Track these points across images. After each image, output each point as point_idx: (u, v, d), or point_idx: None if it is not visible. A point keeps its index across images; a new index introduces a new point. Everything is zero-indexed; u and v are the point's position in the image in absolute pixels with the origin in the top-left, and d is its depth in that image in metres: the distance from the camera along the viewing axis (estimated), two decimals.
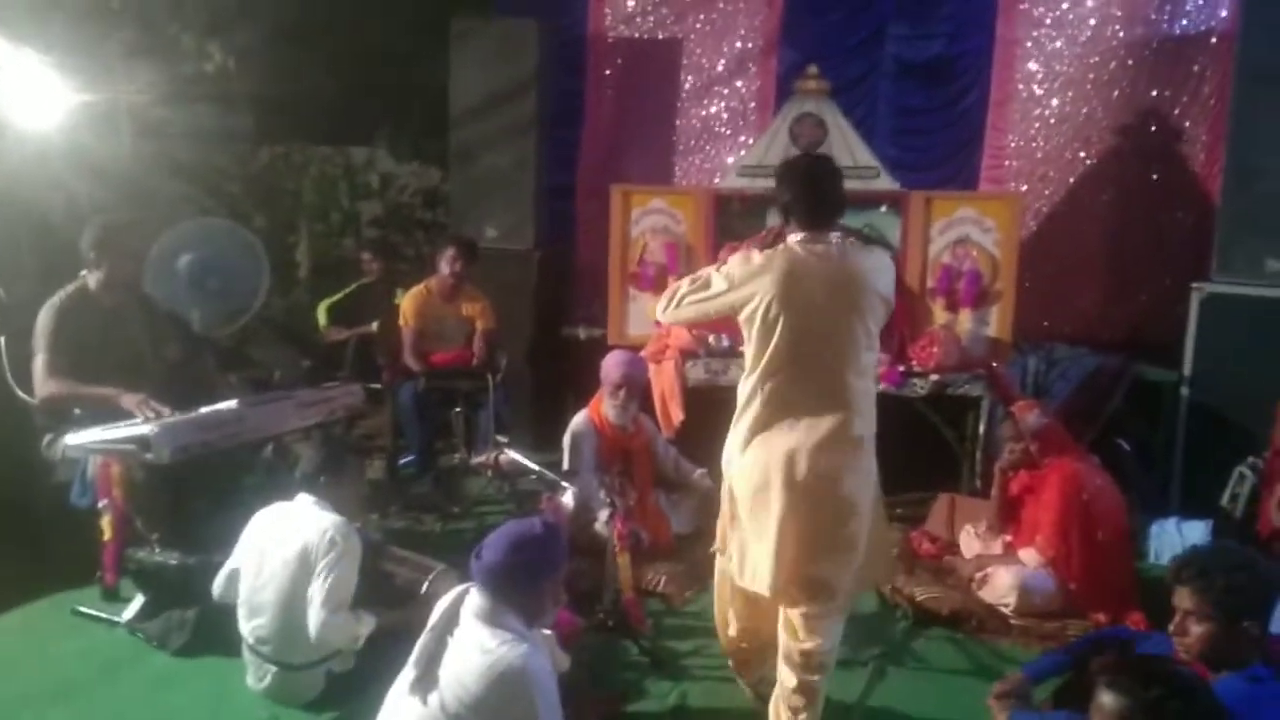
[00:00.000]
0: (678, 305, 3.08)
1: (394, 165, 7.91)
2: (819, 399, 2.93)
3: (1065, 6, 6.38)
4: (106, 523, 3.89)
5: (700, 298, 3.04)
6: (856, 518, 2.97)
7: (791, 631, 3.01)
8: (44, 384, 4.03)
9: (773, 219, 5.66)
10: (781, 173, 3.17)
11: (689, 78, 6.95)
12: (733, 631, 3.34)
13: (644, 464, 4.77)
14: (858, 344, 2.96)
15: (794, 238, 3.04)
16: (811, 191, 3.05)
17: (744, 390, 3.02)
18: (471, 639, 2.45)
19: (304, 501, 3.38)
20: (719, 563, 3.30)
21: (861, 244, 3.19)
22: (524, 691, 2.38)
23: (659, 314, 3.17)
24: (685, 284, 3.09)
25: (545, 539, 2.55)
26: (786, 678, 3.04)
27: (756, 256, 3.00)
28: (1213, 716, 2.10)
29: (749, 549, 3.02)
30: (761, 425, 2.97)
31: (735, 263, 3.02)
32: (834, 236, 3.06)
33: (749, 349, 3.00)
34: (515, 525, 2.60)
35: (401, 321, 5.63)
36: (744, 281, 2.95)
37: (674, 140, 7.01)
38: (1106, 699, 2.09)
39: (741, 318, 2.98)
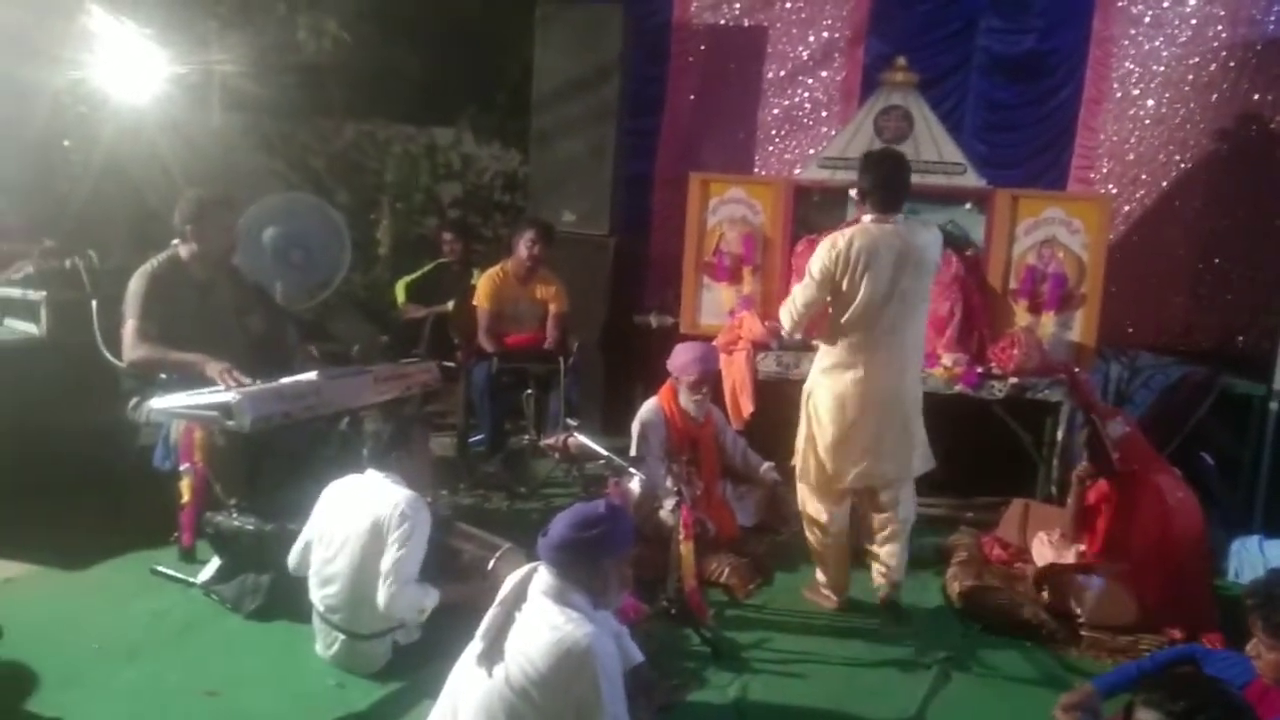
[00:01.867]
0: (797, 307, 3.87)
1: (475, 147, 7.97)
2: (886, 341, 3.80)
3: (1166, 5, 6.23)
4: (186, 486, 3.98)
5: (807, 288, 3.83)
6: (915, 422, 3.94)
7: (879, 506, 4.02)
8: (133, 348, 4.14)
9: (854, 211, 5.64)
10: (866, 162, 3.89)
11: (773, 66, 6.89)
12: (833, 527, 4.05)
13: (711, 454, 4.75)
14: (916, 299, 3.83)
15: (867, 217, 3.82)
16: (891, 181, 3.83)
17: (784, 322, 3.92)
18: (539, 615, 2.47)
19: (375, 476, 3.43)
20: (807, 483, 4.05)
21: (919, 221, 4.01)
22: (588, 670, 2.38)
23: (788, 329, 3.97)
24: (795, 290, 3.88)
25: (609, 519, 2.56)
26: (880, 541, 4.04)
27: (839, 240, 3.76)
28: None
29: (843, 455, 3.87)
30: (842, 364, 3.83)
31: (822, 250, 3.79)
32: (898, 216, 3.81)
33: (835, 308, 3.80)
34: (581, 506, 2.63)
35: (477, 302, 5.68)
36: (834, 259, 3.74)
37: (755, 129, 6.96)
38: (1140, 713, 2.15)
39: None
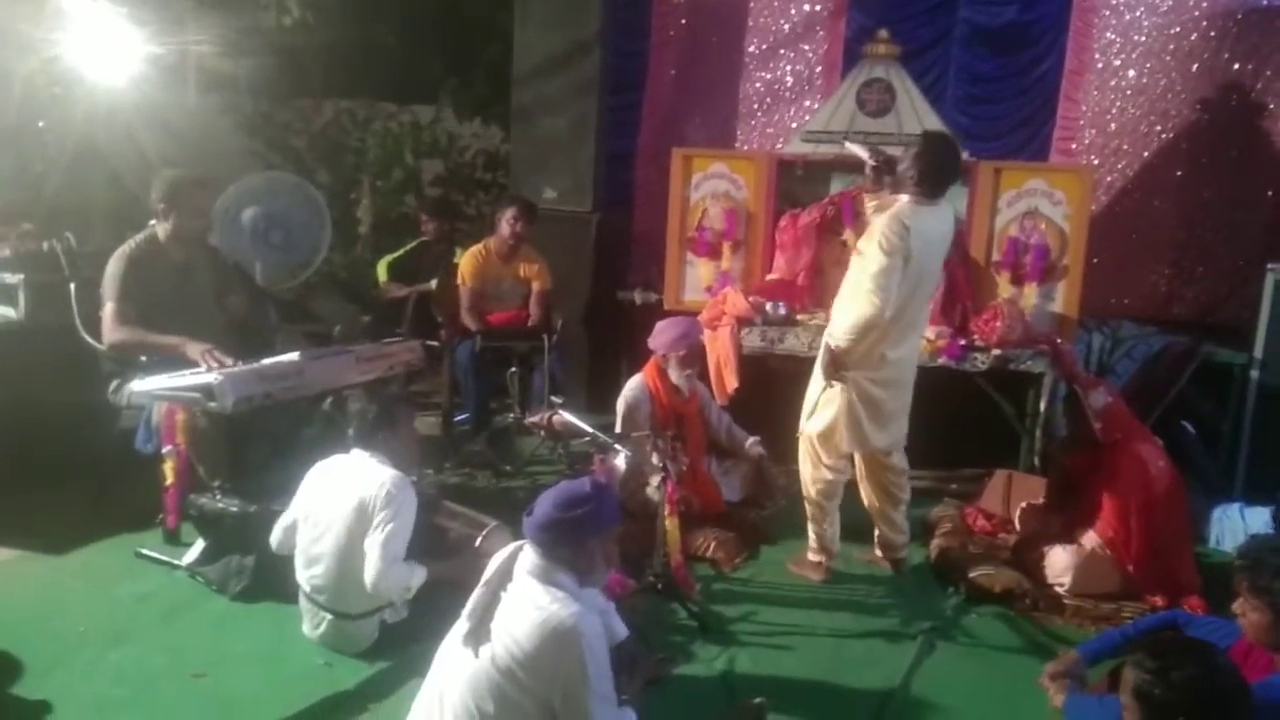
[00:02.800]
0: (886, 286, 3.70)
1: (456, 125, 7.92)
2: (915, 318, 3.95)
3: None
4: (169, 468, 3.97)
5: (889, 267, 3.69)
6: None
7: (884, 468, 4.13)
8: (113, 330, 4.11)
9: (837, 185, 5.64)
10: (926, 144, 3.84)
11: (754, 40, 6.86)
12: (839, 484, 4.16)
13: (696, 430, 4.76)
14: (939, 276, 4.07)
15: (910, 198, 3.78)
16: (948, 166, 3.87)
17: (872, 314, 3.73)
18: (524, 595, 2.47)
19: (359, 455, 3.43)
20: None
21: (946, 202, 3.94)
22: (574, 649, 2.39)
23: (884, 310, 3.73)
24: (878, 275, 3.70)
25: (594, 497, 2.55)
26: (883, 497, 4.19)
27: (903, 217, 3.71)
28: (1227, 691, 2.14)
29: (880, 429, 3.97)
30: (891, 340, 3.84)
31: (888, 227, 3.70)
32: (942, 199, 3.87)
33: (886, 285, 3.70)
34: (566, 484, 2.61)
35: (459, 281, 5.66)
36: (903, 240, 3.68)
37: (737, 104, 6.94)
38: (1125, 673, 2.26)
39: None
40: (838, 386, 3.92)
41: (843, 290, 3.99)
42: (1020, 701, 3.25)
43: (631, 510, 4.14)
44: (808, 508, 4.21)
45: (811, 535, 4.22)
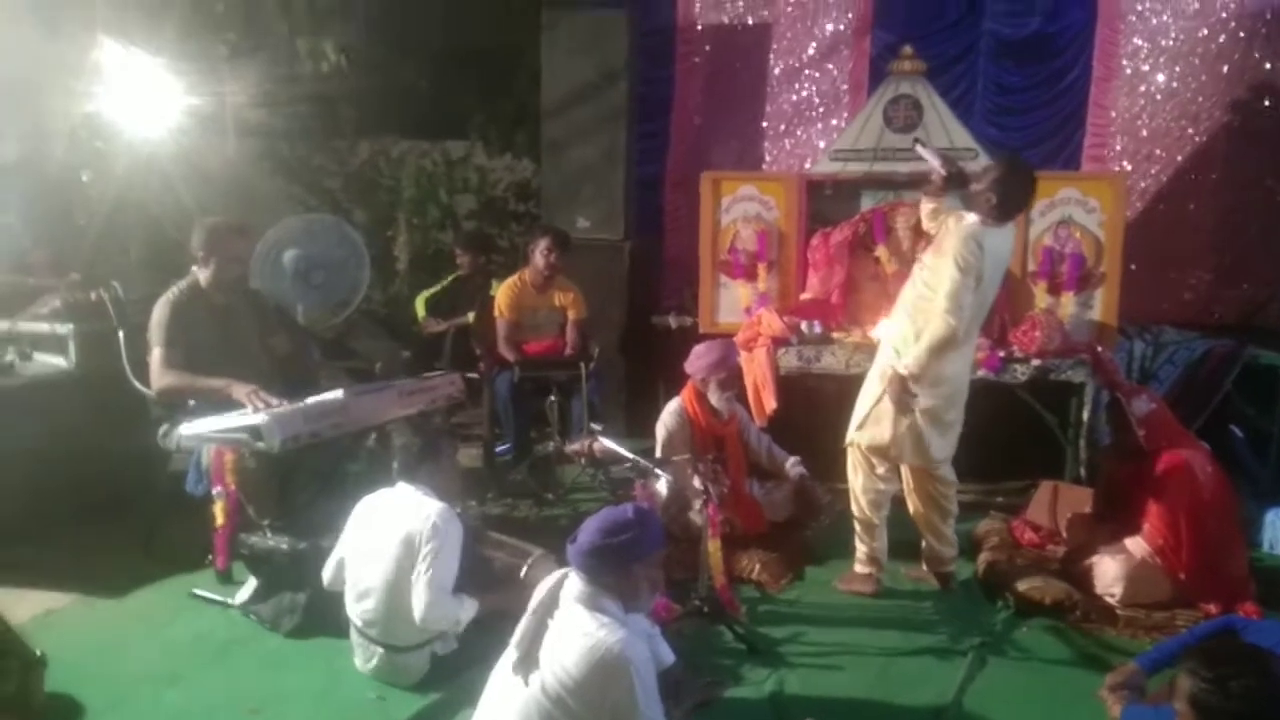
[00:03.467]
0: (960, 306, 3.75)
1: (486, 159, 8.02)
2: (973, 335, 4.01)
3: None
4: (219, 509, 4.02)
5: (964, 286, 3.74)
6: None
7: (934, 479, 4.13)
8: (161, 376, 4.20)
9: (867, 202, 5.65)
10: (1006, 170, 3.83)
11: (779, 62, 6.91)
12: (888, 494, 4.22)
13: (737, 452, 4.76)
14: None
15: (981, 219, 3.81)
16: (1025, 193, 3.90)
17: (947, 334, 3.78)
18: (571, 622, 2.49)
19: (405, 489, 3.47)
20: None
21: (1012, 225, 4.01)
22: (623, 676, 2.40)
23: (957, 330, 3.78)
24: (954, 294, 3.73)
25: (636, 523, 2.57)
26: (931, 508, 4.19)
27: (978, 238, 3.74)
28: None
29: (940, 439, 4.01)
30: (960, 355, 3.92)
31: (964, 246, 3.73)
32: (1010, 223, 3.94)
33: (962, 304, 3.75)
34: (609, 511, 2.64)
35: (496, 313, 5.71)
36: (978, 259, 3.72)
37: (764, 126, 6.98)
38: (1180, 680, 2.23)
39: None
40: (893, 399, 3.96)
41: (902, 307, 4.01)
42: (1074, 714, 3.22)
43: (675, 534, 4.16)
44: (856, 522, 4.21)
45: (860, 549, 4.22)
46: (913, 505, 4.22)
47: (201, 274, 4.33)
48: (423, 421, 4.30)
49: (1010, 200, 3.82)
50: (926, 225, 4.17)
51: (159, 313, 4.23)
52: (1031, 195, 3.98)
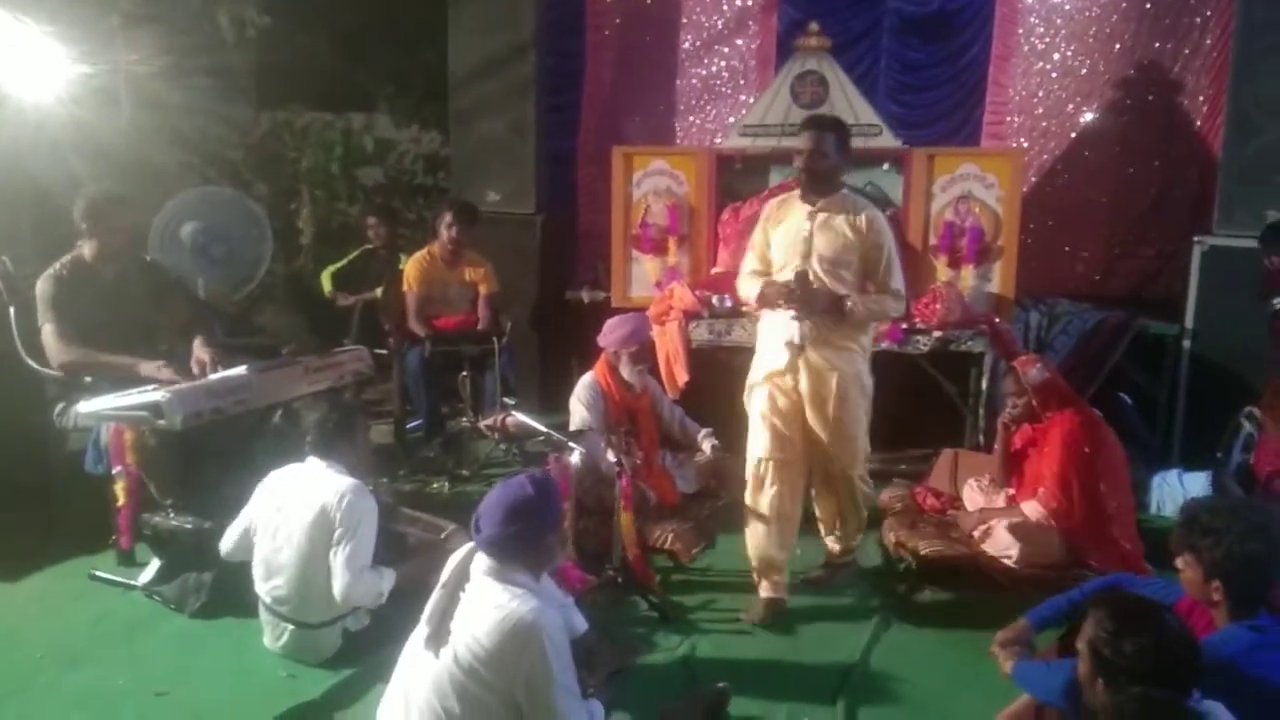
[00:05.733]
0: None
1: (394, 131, 7.89)
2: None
3: None
4: (120, 489, 3.94)
5: None
6: None
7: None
8: (61, 351, 4.08)
9: (776, 177, 5.71)
10: None
11: (688, 37, 6.93)
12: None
13: (650, 424, 4.80)
14: None
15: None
16: None
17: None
18: (483, 595, 2.49)
19: (315, 464, 3.43)
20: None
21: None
22: (535, 645, 2.42)
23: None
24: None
25: (539, 499, 2.55)
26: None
27: None
28: (1179, 651, 2.21)
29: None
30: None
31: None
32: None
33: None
34: (506, 491, 2.57)
35: (406, 287, 5.65)
36: None
37: (674, 100, 7.00)
38: (1086, 625, 2.32)
39: None
40: None
41: None
42: (975, 671, 3.35)
43: (588, 506, 4.19)
44: None
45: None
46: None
47: (86, 247, 4.22)
48: (336, 397, 4.24)
49: None
50: None
51: (42, 287, 4.13)
52: None
